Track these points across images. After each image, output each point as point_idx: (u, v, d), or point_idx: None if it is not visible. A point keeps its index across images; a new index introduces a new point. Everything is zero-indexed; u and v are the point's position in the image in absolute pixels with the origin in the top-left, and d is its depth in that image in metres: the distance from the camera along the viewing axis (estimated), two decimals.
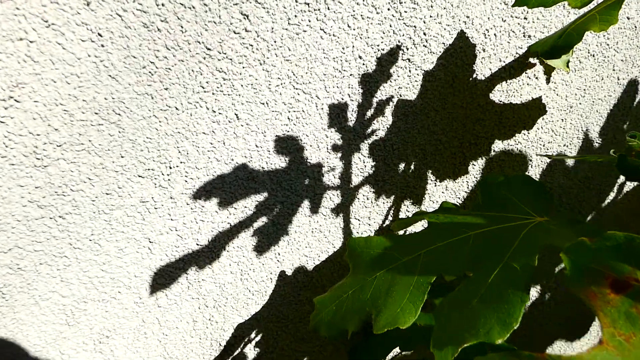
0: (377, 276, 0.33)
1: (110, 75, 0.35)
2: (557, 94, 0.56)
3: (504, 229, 0.33)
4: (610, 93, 0.60)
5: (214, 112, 0.40)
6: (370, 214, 0.52)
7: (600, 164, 0.65)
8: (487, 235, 0.34)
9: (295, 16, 0.40)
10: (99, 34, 0.34)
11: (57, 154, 0.36)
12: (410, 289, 0.30)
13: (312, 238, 0.49)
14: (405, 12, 0.43)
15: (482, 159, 0.55)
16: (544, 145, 0.59)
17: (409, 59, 0.46)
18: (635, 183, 0.73)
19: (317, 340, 0.55)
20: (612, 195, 0.70)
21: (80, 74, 0.34)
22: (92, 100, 0.35)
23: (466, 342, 0.23)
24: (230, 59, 0.39)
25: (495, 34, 0.49)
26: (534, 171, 0.60)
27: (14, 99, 0.33)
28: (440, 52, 0.47)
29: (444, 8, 0.45)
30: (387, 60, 0.45)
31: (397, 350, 0.60)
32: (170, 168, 0.40)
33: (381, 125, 0.47)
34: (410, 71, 0.46)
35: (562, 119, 0.58)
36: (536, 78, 0.54)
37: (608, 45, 0.57)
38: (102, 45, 0.34)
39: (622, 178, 0.71)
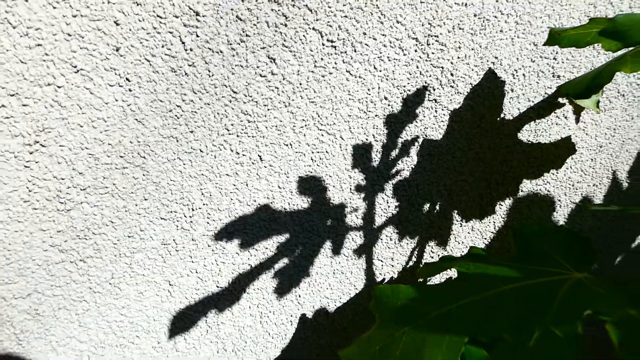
0: (405, 331, 0.31)
1: (136, 119, 0.34)
2: (587, 134, 0.54)
3: (541, 284, 0.31)
4: (628, 130, 0.58)
5: (238, 154, 0.39)
6: (393, 255, 0.49)
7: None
8: (523, 290, 0.31)
9: (322, 59, 0.39)
10: (127, 79, 0.33)
11: (80, 197, 0.35)
12: (442, 349, 0.28)
13: (333, 279, 0.47)
14: (433, 53, 0.42)
15: (509, 199, 0.53)
16: (572, 185, 0.56)
17: (435, 100, 0.44)
18: None
19: None
20: None
21: (106, 118, 0.34)
22: (118, 143, 0.35)
23: None
24: (256, 102, 0.38)
25: (524, 74, 0.47)
26: (563, 211, 0.58)
27: (40, 143, 0.32)
28: (467, 92, 0.45)
29: (472, 49, 0.44)
30: (413, 101, 0.43)
31: None
32: (193, 210, 0.39)
33: (406, 166, 0.46)
34: (436, 111, 0.45)
35: (592, 159, 0.56)
36: (565, 118, 0.52)
37: (638, 84, 0.55)
38: (130, 90, 0.34)
39: None
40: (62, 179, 0.34)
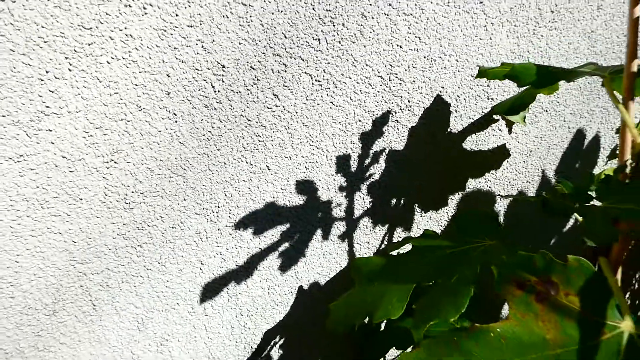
0: (375, 285, 0.45)
1: (180, 142, 0.48)
2: (518, 142, 0.69)
3: (466, 249, 0.45)
4: (562, 139, 0.73)
5: (251, 165, 0.52)
6: (369, 239, 0.63)
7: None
8: (454, 254, 0.45)
9: (312, 94, 0.53)
10: (174, 114, 0.47)
11: (140, 199, 0.48)
12: (398, 293, 0.42)
13: (323, 259, 0.61)
14: (394, 86, 0.57)
15: (459, 194, 0.67)
16: (509, 182, 0.71)
17: (397, 120, 0.59)
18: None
19: (327, 341, 0.66)
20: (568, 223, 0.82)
21: (159, 142, 0.47)
22: (167, 159, 0.48)
23: (432, 320, 0.35)
24: (264, 126, 0.51)
25: (464, 99, 0.62)
26: (504, 202, 0.73)
27: (114, 161, 0.46)
28: (421, 114, 0.60)
29: (423, 82, 0.58)
30: (380, 122, 0.58)
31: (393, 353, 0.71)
32: (219, 207, 0.52)
33: (376, 171, 0.60)
34: (398, 129, 0.59)
35: (524, 161, 0.71)
36: (499, 130, 0.67)
37: (558, 102, 0.71)
38: (176, 122, 0.47)
39: None
40: (128, 186, 0.47)
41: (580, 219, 0.48)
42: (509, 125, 0.67)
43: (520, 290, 0.31)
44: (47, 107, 0.41)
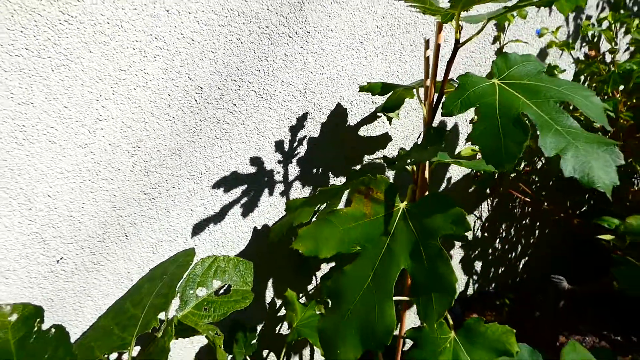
0: (296, 210, 0.77)
1: (177, 134, 0.78)
2: (397, 130, 1.04)
3: (349, 184, 0.78)
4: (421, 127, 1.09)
5: (221, 147, 0.84)
6: (299, 195, 0.96)
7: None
8: (342, 188, 0.79)
9: (257, 103, 0.85)
10: (173, 117, 0.77)
11: (153, 169, 0.78)
12: (307, 212, 0.74)
13: (270, 209, 0.93)
14: (309, 97, 0.90)
15: (358, 165, 1.01)
16: (396, 154, 1.05)
17: (312, 118, 0.92)
18: (459, 176, 1.21)
19: (277, 264, 0.98)
20: (445, 183, 1.18)
21: (164, 135, 0.77)
22: (169, 145, 0.78)
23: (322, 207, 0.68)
24: (228, 123, 0.83)
25: (356, 103, 0.96)
26: (391, 172, 1.07)
27: (138, 146, 0.76)
28: (328, 113, 0.93)
29: (328, 93, 0.92)
30: (301, 119, 0.90)
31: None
32: (201, 174, 0.83)
33: (301, 150, 0.93)
34: (313, 124, 0.92)
35: (402, 143, 1.06)
36: (383, 122, 1.01)
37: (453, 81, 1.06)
38: (174, 122, 0.78)
39: (450, 172, 1.19)
40: (146, 161, 0.77)
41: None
42: (389, 119, 1.02)
43: (358, 194, 0.64)
44: (100, 115, 0.71)
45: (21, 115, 0.65)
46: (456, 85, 0.61)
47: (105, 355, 0.52)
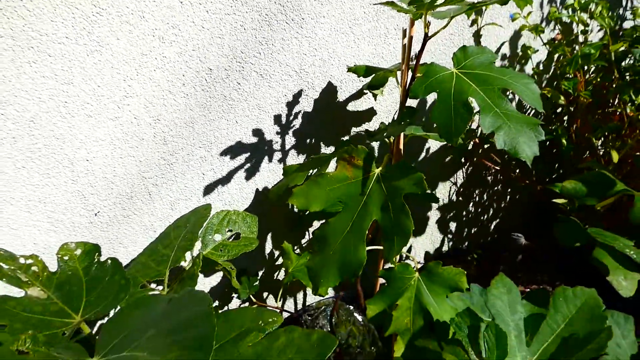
0: (292, 174, 0.92)
1: (190, 109, 0.92)
2: (380, 105, 1.17)
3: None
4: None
5: (227, 121, 0.97)
6: (295, 162, 1.10)
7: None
8: (331, 154, 0.93)
9: (258, 82, 0.97)
10: (187, 95, 0.90)
11: (171, 139, 0.92)
12: (301, 176, 0.89)
13: (269, 174, 1.08)
14: (303, 76, 1.02)
15: (347, 136, 1.15)
16: (377, 127, 1.19)
17: (307, 95, 1.05)
18: (437, 146, 1.35)
19: (277, 221, 1.14)
20: (424, 153, 1.32)
21: (180, 110, 0.91)
22: (184, 118, 0.92)
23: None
24: (233, 99, 0.96)
25: (345, 81, 1.09)
26: (376, 144, 1.21)
27: (158, 119, 0.89)
28: (320, 90, 1.06)
29: (320, 73, 1.04)
30: (297, 95, 1.04)
31: None
32: (211, 143, 0.97)
33: (297, 123, 1.06)
34: (307, 100, 1.05)
35: (386, 117, 1.19)
36: (369, 98, 1.15)
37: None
38: (188, 99, 0.91)
39: (429, 143, 1.33)
40: (165, 132, 0.91)
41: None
42: (374, 95, 1.15)
43: (342, 160, 0.78)
44: (127, 93, 0.84)
45: (64, 93, 0.78)
46: (424, 71, 0.74)
47: (147, 282, 0.68)
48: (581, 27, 1.34)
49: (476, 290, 0.84)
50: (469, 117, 0.65)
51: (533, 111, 1.46)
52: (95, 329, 0.92)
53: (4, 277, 0.58)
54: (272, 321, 0.59)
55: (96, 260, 0.65)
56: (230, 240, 0.85)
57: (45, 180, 0.82)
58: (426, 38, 0.77)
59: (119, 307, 0.59)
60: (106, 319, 0.79)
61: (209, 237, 0.82)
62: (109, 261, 0.64)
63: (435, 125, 0.70)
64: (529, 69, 1.38)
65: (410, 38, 0.81)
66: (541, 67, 1.39)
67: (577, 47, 1.32)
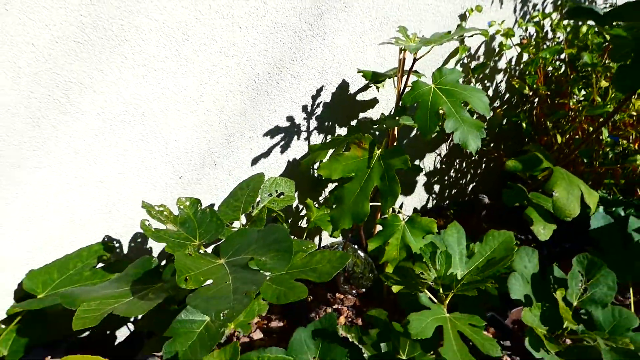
0: (316, 151, 1.27)
1: (243, 102, 1.26)
2: (382, 95, 1.51)
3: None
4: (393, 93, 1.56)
5: (269, 111, 1.32)
6: (317, 140, 1.46)
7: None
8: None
9: (289, 82, 1.31)
10: (241, 92, 1.25)
11: (230, 124, 1.27)
12: (324, 153, 1.25)
13: (297, 149, 1.44)
14: (324, 75, 1.36)
15: (355, 120, 1.50)
16: (378, 114, 1.54)
17: (326, 89, 1.38)
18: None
19: (303, 182, 1.51)
20: (414, 132, 1.67)
21: (237, 103, 1.25)
22: (239, 109, 1.26)
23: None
24: (273, 94, 1.30)
25: (355, 78, 1.42)
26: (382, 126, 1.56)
27: (222, 110, 1.24)
28: (336, 85, 1.40)
29: (336, 73, 1.37)
30: (319, 90, 1.37)
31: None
32: (257, 128, 1.32)
33: (319, 111, 1.41)
34: (327, 93, 1.39)
35: (385, 104, 1.53)
36: (373, 90, 1.48)
37: (417, 72, 1.52)
38: (242, 94, 1.25)
39: None
40: (226, 120, 1.26)
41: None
42: (377, 88, 1.48)
43: (353, 144, 1.14)
44: (202, 93, 1.18)
45: (163, 95, 1.13)
46: (411, 85, 1.09)
47: (228, 223, 1.06)
48: (543, 34, 1.65)
49: (440, 232, 1.23)
50: (439, 122, 1.01)
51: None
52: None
53: (154, 217, 0.95)
54: (311, 247, 0.98)
55: (199, 208, 1.02)
56: (278, 196, 1.23)
57: (150, 155, 1.18)
58: (414, 61, 1.11)
59: (223, 238, 0.97)
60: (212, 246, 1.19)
61: (264, 194, 1.19)
62: (208, 209, 1.02)
63: (415, 122, 1.05)
64: (502, 63, 1.70)
65: (402, 60, 1.14)
66: (513, 63, 1.71)
67: (544, 47, 1.63)
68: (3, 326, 1.02)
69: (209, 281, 0.73)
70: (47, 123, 1.01)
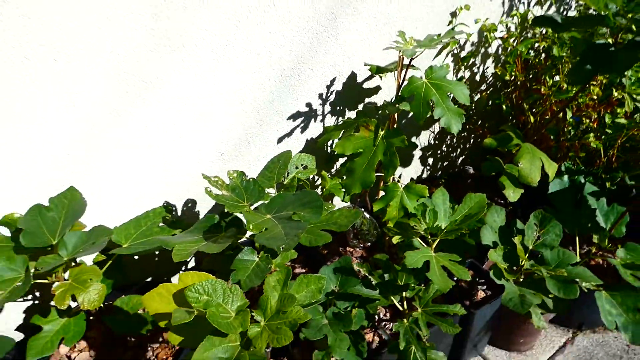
0: (330, 132, 1.57)
1: (272, 94, 1.54)
2: (384, 83, 1.79)
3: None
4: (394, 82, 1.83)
5: (291, 100, 1.60)
6: (330, 122, 1.75)
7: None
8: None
9: (309, 75, 1.59)
10: (270, 86, 1.53)
11: (262, 110, 1.56)
12: (337, 132, 1.54)
13: (314, 130, 1.73)
14: (337, 68, 1.63)
15: (362, 104, 1.78)
16: (383, 99, 1.82)
17: (338, 80, 1.66)
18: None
19: (316, 158, 1.81)
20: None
21: (267, 94, 1.53)
22: (268, 100, 1.55)
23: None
24: (297, 86, 1.58)
25: (362, 70, 1.70)
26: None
27: (254, 99, 1.52)
28: (347, 76, 1.67)
29: (347, 66, 1.65)
30: (332, 81, 1.65)
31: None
32: (282, 114, 1.61)
33: (332, 98, 1.69)
34: (338, 83, 1.67)
35: (387, 92, 1.81)
36: (377, 79, 1.76)
37: (413, 66, 1.79)
38: (271, 87, 1.53)
39: None
40: (258, 107, 1.54)
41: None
42: (381, 77, 1.76)
43: (362, 126, 1.43)
44: (241, 86, 1.47)
45: (209, 90, 1.41)
46: (408, 79, 1.37)
47: (269, 189, 1.37)
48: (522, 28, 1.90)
49: (431, 196, 1.54)
50: (429, 109, 1.30)
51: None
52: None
53: (213, 185, 1.26)
54: (331, 207, 1.29)
55: (244, 178, 1.33)
56: (303, 169, 1.53)
57: (199, 137, 1.47)
58: (411, 60, 1.39)
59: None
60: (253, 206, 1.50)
61: (292, 167, 1.50)
62: (251, 179, 1.32)
63: (411, 110, 1.34)
64: (488, 53, 1.97)
65: (402, 57, 1.42)
66: (500, 52, 1.98)
67: (521, 39, 1.90)
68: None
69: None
70: (125, 112, 1.31)
